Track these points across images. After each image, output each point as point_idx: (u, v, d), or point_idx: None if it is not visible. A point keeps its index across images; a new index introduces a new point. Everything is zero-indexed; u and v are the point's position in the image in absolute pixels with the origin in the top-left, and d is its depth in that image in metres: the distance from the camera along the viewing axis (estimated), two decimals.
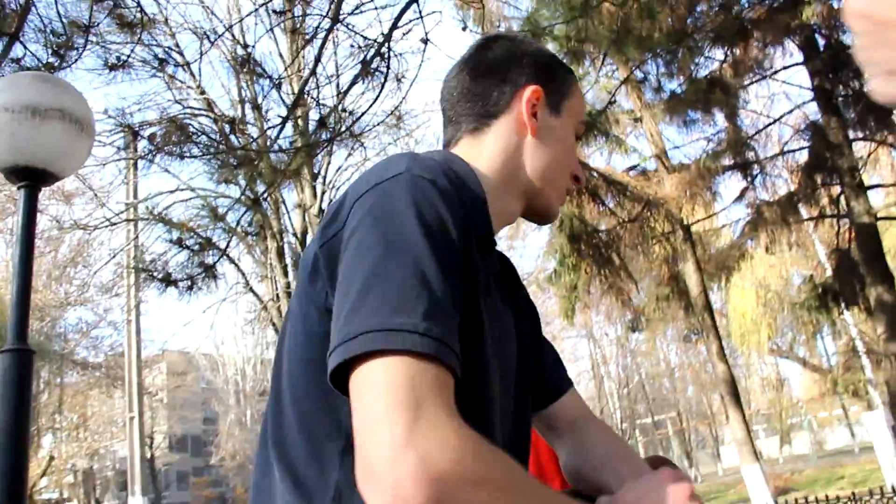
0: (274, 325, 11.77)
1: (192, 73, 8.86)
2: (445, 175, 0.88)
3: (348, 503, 0.81)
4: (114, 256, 13.25)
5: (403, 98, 4.80)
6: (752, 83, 9.64)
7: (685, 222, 10.14)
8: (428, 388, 0.71)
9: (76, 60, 3.97)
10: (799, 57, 8.90)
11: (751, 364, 29.88)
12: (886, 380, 8.24)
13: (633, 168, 10.80)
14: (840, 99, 8.69)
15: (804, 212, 9.94)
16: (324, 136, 4.98)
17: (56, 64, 3.87)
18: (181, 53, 8.42)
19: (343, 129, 4.79)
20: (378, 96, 4.42)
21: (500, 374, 0.96)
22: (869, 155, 10.17)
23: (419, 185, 0.84)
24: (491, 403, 0.92)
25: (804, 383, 32.73)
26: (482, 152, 1.08)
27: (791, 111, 10.50)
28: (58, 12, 3.89)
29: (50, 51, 3.87)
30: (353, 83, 4.54)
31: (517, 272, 1.19)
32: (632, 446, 1.21)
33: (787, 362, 28.71)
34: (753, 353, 21.92)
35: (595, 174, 9.51)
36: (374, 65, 4.48)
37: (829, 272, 10.45)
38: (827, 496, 7.59)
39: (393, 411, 0.68)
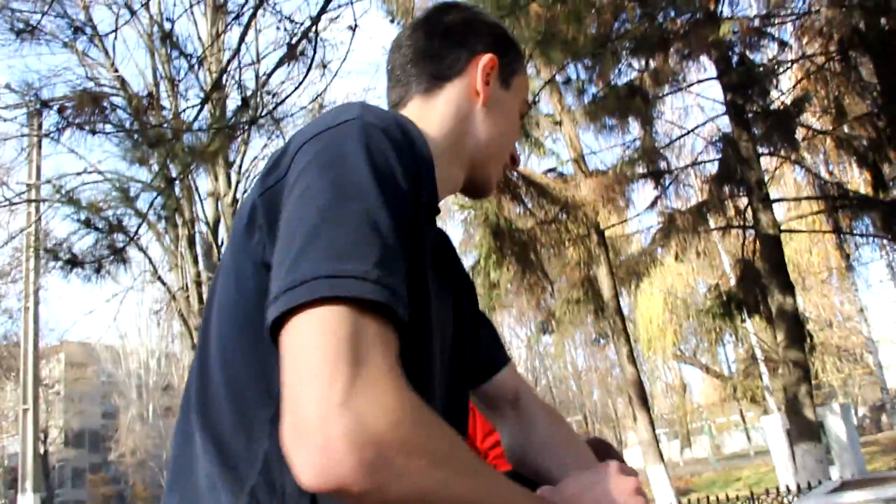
0: (182, 315, 11.41)
1: (105, 50, 8.51)
2: (399, 128, 0.83)
3: (277, 475, 0.75)
4: (12, 238, 12.61)
5: (328, 84, 4.71)
6: (668, 94, 9.93)
7: (600, 227, 10.34)
8: (372, 343, 0.65)
9: None
10: (713, 72, 9.21)
11: (655, 369, 30.78)
12: (783, 386, 8.60)
13: (551, 170, 10.94)
14: (750, 114, 9.03)
15: (712, 222, 10.29)
16: (244, 119, 4.84)
17: None
18: (94, 28, 8.07)
19: (265, 112, 4.67)
20: (303, 80, 4.33)
21: (439, 345, 0.92)
22: (775, 170, 10.62)
23: (371, 132, 0.79)
24: (432, 369, 0.88)
25: (705, 389, 34.00)
26: (432, 115, 1.04)
27: (704, 123, 10.90)
28: None
29: None
30: (277, 66, 4.43)
31: (454, 246, 1.16)
32: (574, 429, 1.19)
33: (689, 368, 29.74)
34: (658, 358, 22.58)
35: (515, 174, 9.58)
36: (300, 49, 4.39)
37: (733, 281, 10.84)
38: (728, 496, 7.91)
39: (331, 365, 0.62)
